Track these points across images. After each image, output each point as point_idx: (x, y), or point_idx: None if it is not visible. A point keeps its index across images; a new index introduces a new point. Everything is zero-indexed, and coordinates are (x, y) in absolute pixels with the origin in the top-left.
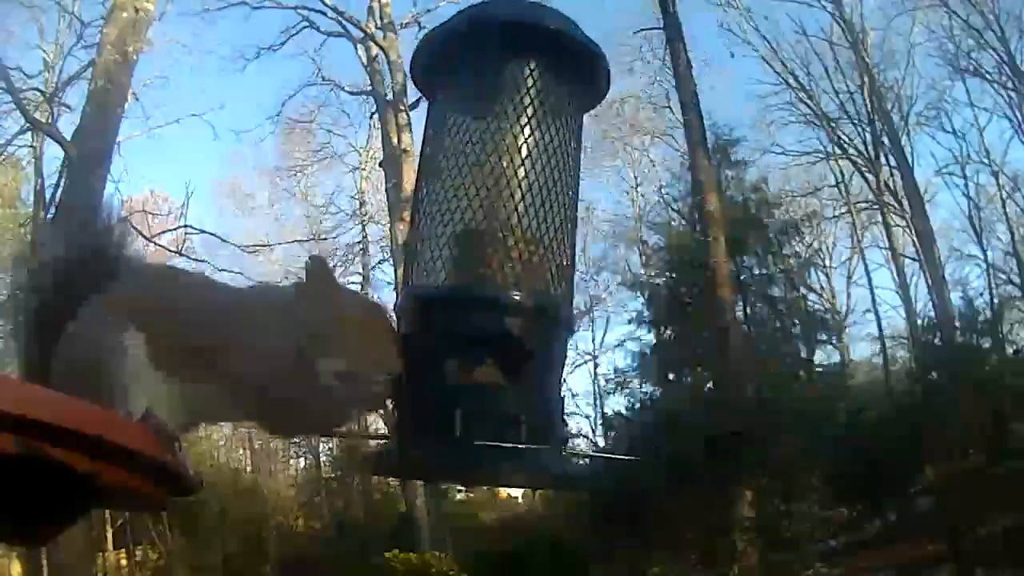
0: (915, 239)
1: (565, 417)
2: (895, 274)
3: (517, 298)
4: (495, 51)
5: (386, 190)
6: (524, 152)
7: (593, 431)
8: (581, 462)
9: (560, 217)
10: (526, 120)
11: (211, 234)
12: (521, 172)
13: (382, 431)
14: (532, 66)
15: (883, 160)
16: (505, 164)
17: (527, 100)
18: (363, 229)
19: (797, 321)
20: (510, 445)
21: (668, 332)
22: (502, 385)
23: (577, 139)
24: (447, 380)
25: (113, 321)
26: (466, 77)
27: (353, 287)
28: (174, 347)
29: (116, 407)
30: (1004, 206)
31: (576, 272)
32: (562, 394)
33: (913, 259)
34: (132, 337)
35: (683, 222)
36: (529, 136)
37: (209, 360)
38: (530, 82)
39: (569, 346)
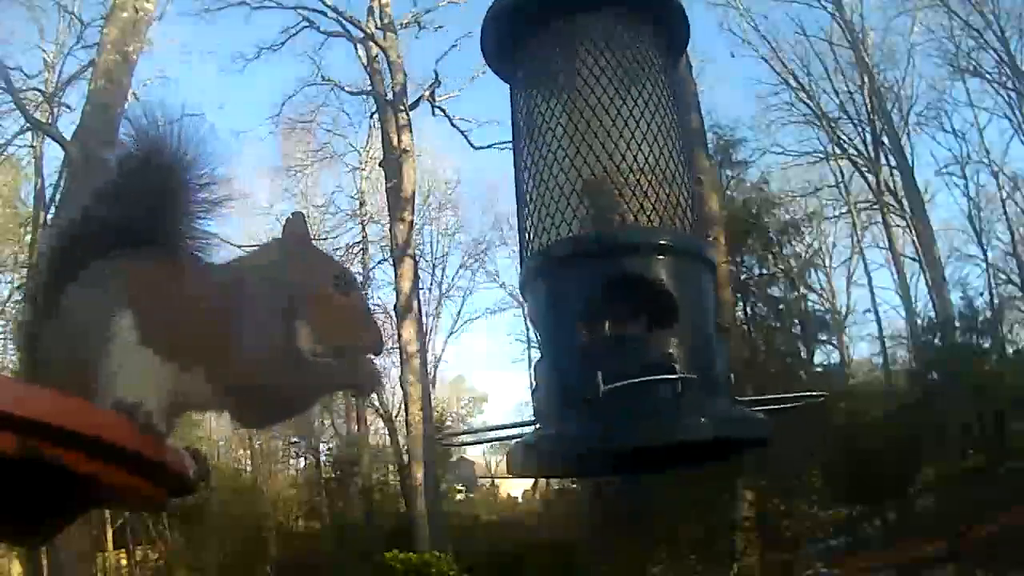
0: (915, 239)
1: (728, 362)
2: (895, 274)
3: (665, 239)
4: (573, 10)
5: (386, 190)
6: (631, 98)
7: None
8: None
9: (677, 152)
10: (623, 69)
11: (211, 234)
12: (632, 117)
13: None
14: (616, 17)
15: (883, 160)
16: (613, 111)
17: (620, 51)
18: (363, 229)
19: (797, 321)
20: (672, 379)
21: None
22: (658, 333)
23: (672, 82)
24: (599, 335)
25: (104, 298)
26: (548, 41)
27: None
28: (168, 329)
29: (100, 391)
30: (1004, 206)
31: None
32: (718, 336)
33: (913, 259)
34: (121, 319)
35: None
36: (631, 84)
37: (201, 339)
38: (619, 34)
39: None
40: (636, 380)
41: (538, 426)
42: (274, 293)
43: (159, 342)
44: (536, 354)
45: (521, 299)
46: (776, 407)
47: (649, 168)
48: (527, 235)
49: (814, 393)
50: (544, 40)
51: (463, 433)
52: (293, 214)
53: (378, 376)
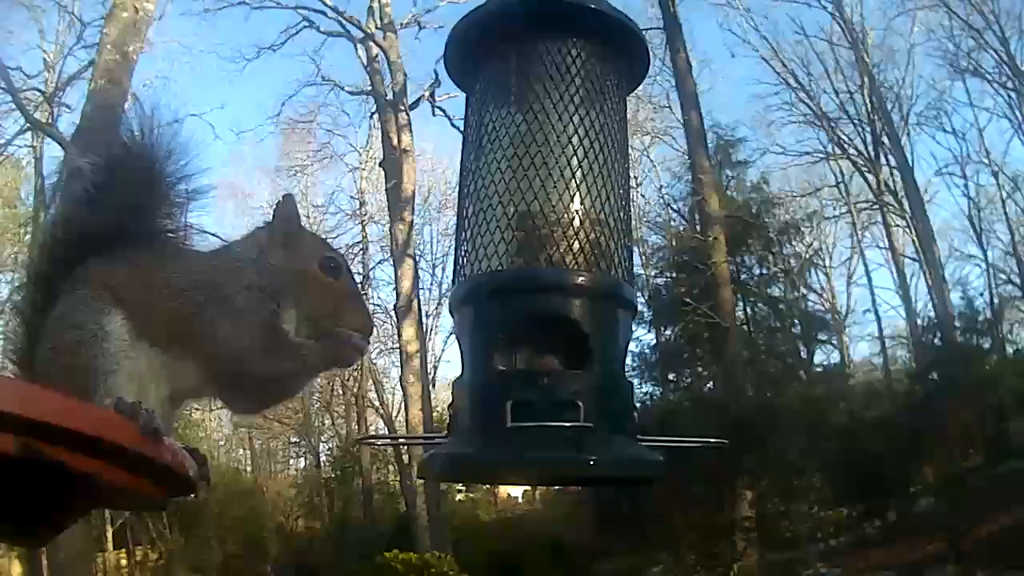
0: (915, 239)
1: (633, 400)
2: (895, 274)
3: (583, 280)
4: (534, 35)
5: (386, 190)
6: (577, 136)
7: None
8: (648, 447)
9: (616, 196)
10: (575, 103)
11: (211, 234)
12: (576, 156)
13: (441, 432)
14: (574, 48)
15: (883, 160)
16: (558, 149)
17: (574, 83)
18: (363, 229)
19: (797, 321)
20: (571, 427)
21: (668, 332)
22: (570, 370)
23: (623, 120)
24: (512, 367)
25: (94, 302)
26: (506, 64)
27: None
28: (160, 321)
29: (97, 393)
30: (1004, 206)
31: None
32: (629, 378)
33: (913, 259)
34: (113, 318)
35: (683, 222)
36: (580, 119)
37: (191, 328)
38: (574, 65)
39: (631, 327)
40: (541, 424)
41: (449, 439)
42: (260, 277)
43: (152, 335)
44: None
45: (451, 316)
46: (679, 445)
47: (583, 211)
48: (461, 258)
49: (717, 440)
50: (503, 62)
51: (383, 437)
52: (283, 196)
53: (363, 347)
